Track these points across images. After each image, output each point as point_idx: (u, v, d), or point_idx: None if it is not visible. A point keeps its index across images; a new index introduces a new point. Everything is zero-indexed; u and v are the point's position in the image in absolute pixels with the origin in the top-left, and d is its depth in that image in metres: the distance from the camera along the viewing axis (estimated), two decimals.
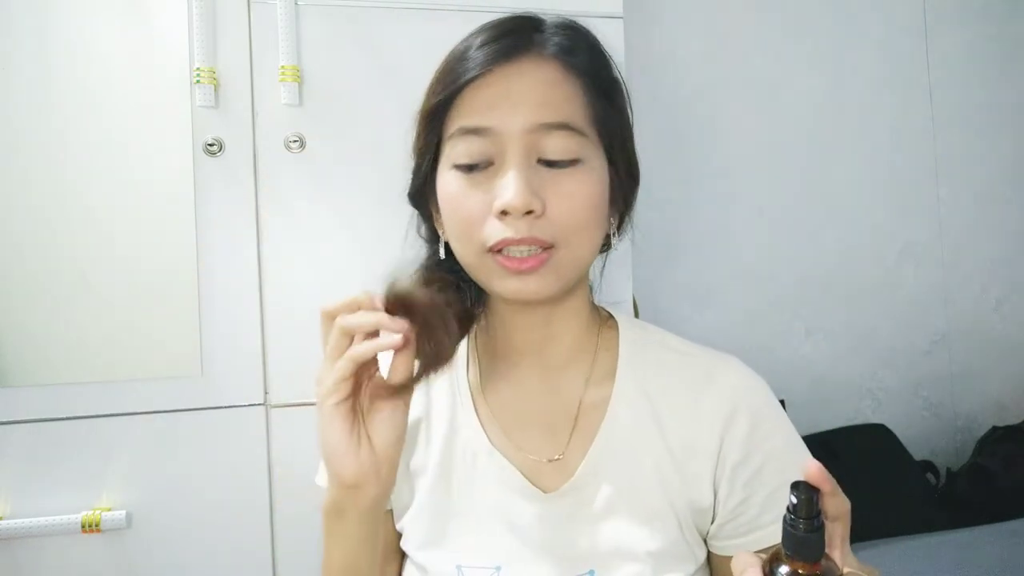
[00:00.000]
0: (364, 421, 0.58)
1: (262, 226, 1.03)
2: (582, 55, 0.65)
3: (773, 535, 0.63)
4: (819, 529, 0.45)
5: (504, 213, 0.59)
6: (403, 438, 0.59)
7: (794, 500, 0.45)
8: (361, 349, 0.55)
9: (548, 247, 0.61)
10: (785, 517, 0.46)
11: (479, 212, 0.61)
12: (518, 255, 0.60)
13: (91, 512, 0.95)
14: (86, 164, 0.99)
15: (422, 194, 0.70)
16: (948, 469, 1.56)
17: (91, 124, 0.99)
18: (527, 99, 0.61)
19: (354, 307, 0.57)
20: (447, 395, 0.71)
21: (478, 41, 0.63)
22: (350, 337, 0.56)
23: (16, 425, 0.96)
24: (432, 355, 0.56)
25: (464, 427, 0.70)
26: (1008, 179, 1.70)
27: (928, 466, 1.54)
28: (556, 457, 0.67)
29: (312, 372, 1.03)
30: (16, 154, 0.97)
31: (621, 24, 1.11)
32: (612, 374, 0.69)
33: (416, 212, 0.73)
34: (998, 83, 1.69)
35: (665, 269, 1.48)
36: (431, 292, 0.57)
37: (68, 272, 0.98)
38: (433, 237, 0.72)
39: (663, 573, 0.63)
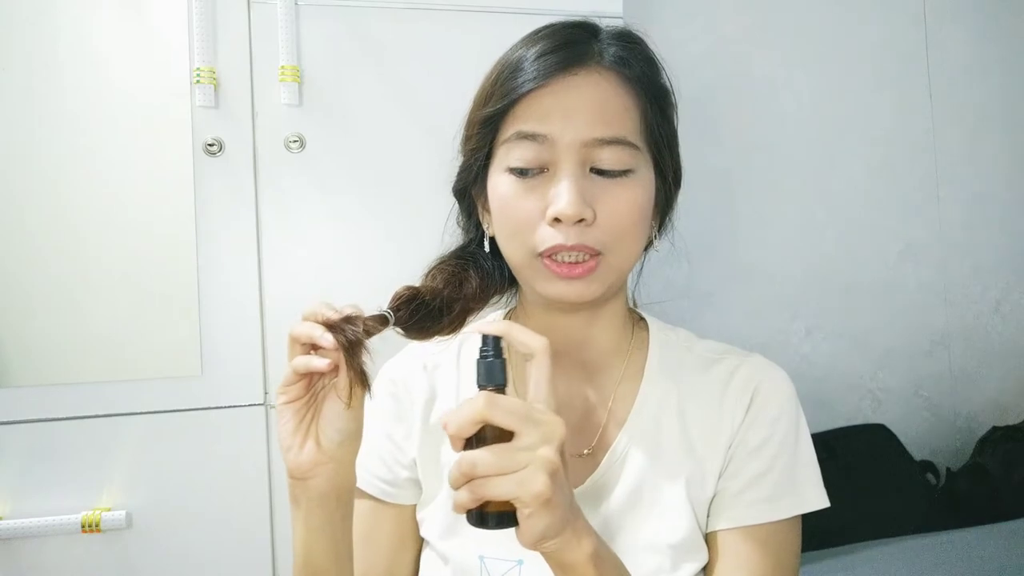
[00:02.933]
0: (316, 421, 0.60)
1: (262, 226, 1.03)
2: (637, 66, 0.67)
3: (749, 515, 0.65)
4: (500, 357, 0.55)
5: (557, 220, 0.62)
6: (354, 441, 0.60)
7: (484, 338, 0.56)
8: (297, 362, 0.57)
9: (596, 254, 0.63)
10: (479, 353, 0.56)
11: (531, 216, 0.64)
12: (568, 260, 0.63)
13: (91, 512, 0.95)
14: (86, 164, 0.99)
15: (467, 190, 0.73)
16: (948, 469, 1.56)
17: (91, 124, 0.99)
18: (584, 112, 0.63)
19: (310, 317, 0.58)
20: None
21: (535, 51, 0.65)
22: (299, 343, 0.58)
23: (16, 425, 0.96)
24: (355, 379, 0.58)
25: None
26: (1008, 179, 1.70)
27: (928, 466, 1.54)
28: (585, 452, 0.69)
29: None
30: (16, 154, 0.97)
31: (621, 24, 1.11)
32: (641, 374, 0.72)
33: (456, 204, 0.77)
34: (998, 83, 1.69)
35: (665, 269, 1.48)
36: (364, 323, 0.58)
37: (68, 272, 0.98)
38: (472, 229, 0.76)
39: (681, 565, 0.65)
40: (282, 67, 1.02)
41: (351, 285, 1.05)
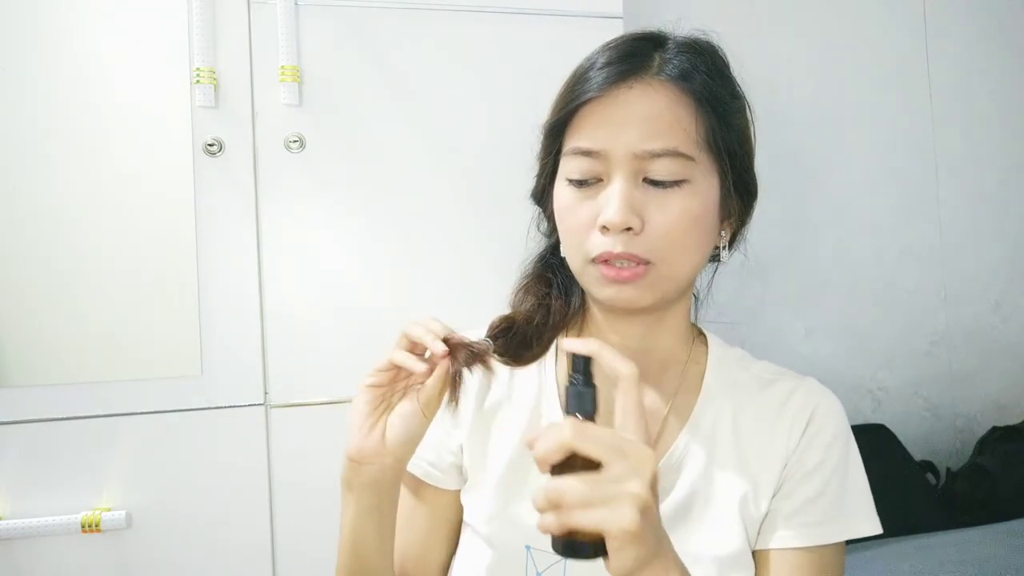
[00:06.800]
0: (388, 414, 0.63)
1: (262, 226, 1.03)
2: (698, 78, 0.67)
3: (799, 537, 0.66)
4: (591, 385, 0.54)
5: (605, 228, 0.63)
6: (413, 443, 0.64)
7: (575, 362, 0.54)
8: (395, 356, 0.62)
9: (644, 263, 0.64)
10: (568, 380, 0.54)
11: (585, 224, 0.66)
12: (617, 265, 0.64)
13: (91, 512, 0.95)
14: (86, 164, 0.99)
15: (543, 195, 0.75)
16: (948, 469, 1.56)
17: (91, 124, 0.99)
18: (634, 125, 0.64)
19: (428, 324, 0.63)
20: (533, 387, 0.74)
21: (600, 61, 0.67)
22: (409, 339, 0.63)
23: (16, 425, 0.96)
24: (451, 398, 0.64)
25: (547, 420, 0.72)
26: (1008, 179, 1.70)
27: (928, 466, 1.54)
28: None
29: (312, 372, 1.04)
30: (16, 154, 0.97)
31: (621, 24, 1.11)
32: (698, 388, 0.72)
33: (539, 210, 0.78)
34: (998, 83, 1.69)
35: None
36: (480, 348, 0.64)
37: (68, 272, 0.98)
38: (552, 233, 0.77)
39: None
40: (282, 67, 1.02)
41: (351, 285, 1.05)
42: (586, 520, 0.48)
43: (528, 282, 0.77)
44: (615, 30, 1.10)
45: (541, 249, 0.79)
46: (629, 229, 0.63)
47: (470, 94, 1.10)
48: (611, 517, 0.47)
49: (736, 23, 1.53)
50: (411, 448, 0.64)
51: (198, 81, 0.99)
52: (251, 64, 1.03)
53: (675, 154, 0.64)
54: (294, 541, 1.02)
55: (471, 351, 0.62)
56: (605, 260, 0.64)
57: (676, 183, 0.64)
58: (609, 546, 0.49)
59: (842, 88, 1.60)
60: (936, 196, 1.65)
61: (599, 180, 0.65)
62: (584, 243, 0.66)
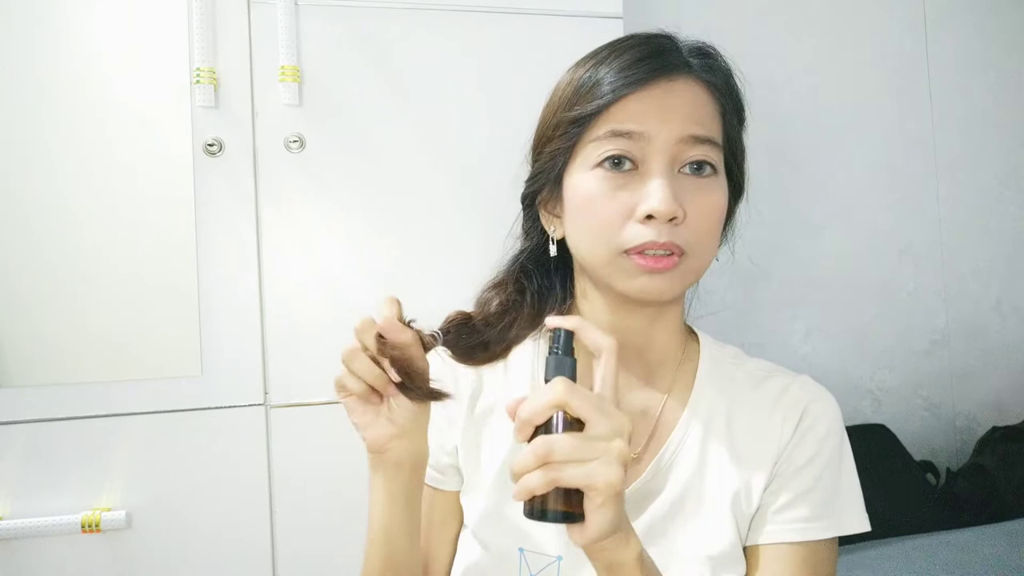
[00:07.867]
0: (387, 399, 0.62)
1: (262, 226, 1.03)
2: (720, 78, 0.70)
3: (790, 532, 0.65)
4: (571, 356, 0.56)
5: (649, 217, 0.63)
6: (424, 415, 0.63)
7: (556, 336, 0.57)
8: (344, 379, 0.61)
9: (680, 253, 0.64)
10: (549, 350, 0.57)
11: (619, 215, 0.64)
12: (651, 253, 0.64)
13: (91, 512, 0.95)
14: (86, 164, 0.99)
15: (535, 196, 0.74)
16: (948, 469, 1.56)
17: (91, 124, 0.99)
18: (681, 112, 0.65)
19: (371, 327, 0.60)
20: (527, 388, 0.73)
21: (628, 57, 0.66)
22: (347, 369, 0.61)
23: (16, 425, 0.96)
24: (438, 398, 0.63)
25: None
26: (1008, 179, 1.70)
27: (928, 466, 1.55)
28: (631, 457, 0.69)
29: (312, 372, 1.04)
30: (16, 154, 0.97)
31: (621, 24, 1.11)
32: (691, 385, 0.72)
33: (521, 212, 0.77)
34: (998, 83, 1.69)
35: None
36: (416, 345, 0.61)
37: (68, 272, 0.98)
38: (535, 235, 0.76)
39: None
40: (282, 67, 1.02)
41: (351, 285, 1.05)
42: (575, 475, 0.49)
43: (498, 284, 0.76)
44: (615, 30, 1.10)
45: (515, 251, 0.78)
46: (673, 219, 0.63)
47: (470, 94, 1.10)
48: (599, 472, 0.49)
49: (736, 23, 1.53)
50: (422, 421, 0.63)
51: (198, 81, 0.99)
52: (251, 64, 1.03)
53: (714, 144, 0.66)
54: (294, 541, 1.02)
55: (417, 386, 0.61)
56: (642, 251, 0.63)
57: (709, 175, 0.66)
58: (590, 504, 0.50)
59: (842, 88, 1.60)
60: (936, 195, 1.66)
61: (634, 168, 0.65)
62: (618, 234, 0.64)
